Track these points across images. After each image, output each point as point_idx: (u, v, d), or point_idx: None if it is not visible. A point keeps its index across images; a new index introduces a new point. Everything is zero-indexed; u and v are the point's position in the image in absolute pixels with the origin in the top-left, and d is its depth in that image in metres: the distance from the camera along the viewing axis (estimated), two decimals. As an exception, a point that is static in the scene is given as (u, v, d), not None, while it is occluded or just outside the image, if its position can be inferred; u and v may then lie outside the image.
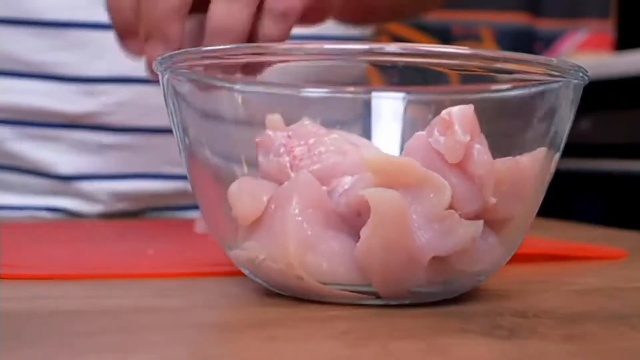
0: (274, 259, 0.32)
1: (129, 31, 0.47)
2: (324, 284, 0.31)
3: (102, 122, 0.69)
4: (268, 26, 0.45)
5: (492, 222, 0.32)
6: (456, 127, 0.30)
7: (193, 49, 0.33)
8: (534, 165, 0.33)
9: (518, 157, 0.32)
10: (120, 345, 0.26)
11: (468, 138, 0.30)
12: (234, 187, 0.33)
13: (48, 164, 0.70)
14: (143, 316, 0.30)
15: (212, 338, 0.27)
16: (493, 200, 0.31)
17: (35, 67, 0.68)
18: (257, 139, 0.34)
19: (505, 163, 0.32)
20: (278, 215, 0.31)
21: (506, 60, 0.32)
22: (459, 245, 0.31)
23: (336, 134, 0.34)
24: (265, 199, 0.32)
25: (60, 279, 0.37)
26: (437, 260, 0.31)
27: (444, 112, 0.31)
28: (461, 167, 0.30)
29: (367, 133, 0.40)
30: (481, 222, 0.31)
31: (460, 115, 0.30)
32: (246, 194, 0.33)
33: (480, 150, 0.31)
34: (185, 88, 0.35)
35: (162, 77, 0.35)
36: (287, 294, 0.33)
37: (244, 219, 0.32)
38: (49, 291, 0.34)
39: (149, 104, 0.68)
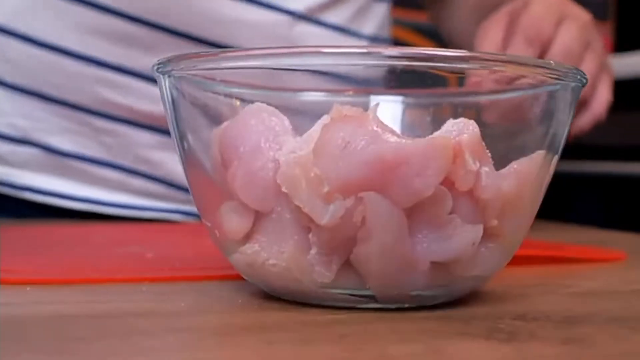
0: (272, 263, 0.32)
1: None
2: (323, 287, 0.31)
3: None
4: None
5: (491, 227, 0.32)
6: (467, 156, 0.30)
7: (191, 53, 0.33)
8: (533, 169, 0.33)
9: (518, 168, 0.32)
10: (118, 350, 0.26)
11: (478, 166, 0.31)
12: (224, 206, 0.33)
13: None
14: (142, 321, 0.30)
15: (211, 342, 0.27)
16: (495, 222, 0.31)
17: None
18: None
19: (509, 184, 0.32)
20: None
21: (504, 63, 0.32)
22: (458, 250, 0.31)
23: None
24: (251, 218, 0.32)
25: (59, 284, 0.37)
26: (436, 265, 0.31)
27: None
28: (468, 190, 0.31)
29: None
30: (480, 226, 0.31)
31: (469, 143, 0.30)
32: (234, 211, 0.33)
33: (488, 174, 0.31)
34: (185, 93, 0.35)
35: (161, 83, 0.35)
36: (286, 298, 0.33)
37: (233, 234, 0.33)
38: (48, 296, 0.34)
39: None
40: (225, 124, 0.34)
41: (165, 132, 0.69)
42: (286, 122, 0.33)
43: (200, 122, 0.35)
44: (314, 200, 0.30)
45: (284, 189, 0.31)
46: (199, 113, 0.36)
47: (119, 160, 0.71)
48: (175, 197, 0.72)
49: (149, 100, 0.69)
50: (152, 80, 0.67)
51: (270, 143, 0.32)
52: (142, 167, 0.71)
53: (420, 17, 1.73)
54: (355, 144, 0.29)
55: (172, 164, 0.71)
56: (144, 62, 0.67)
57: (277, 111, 0.33)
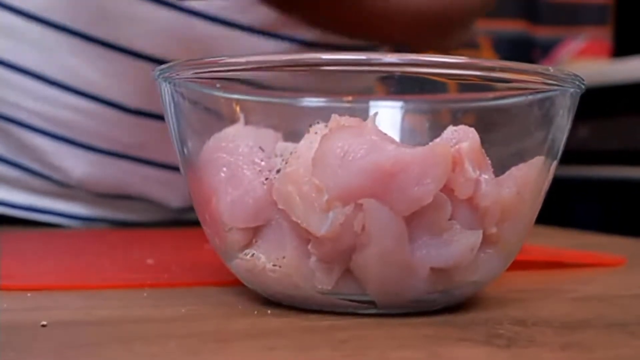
0: (272, 268, 0.32)
1: None
2: (323, 293, 0.31)
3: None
4: None
5: (490, 233, 0.32)
6: (466, 164, 0.30)
7: (193, 59, 0.34)
8: (532, 175, 0.33)
9: (517, 174, 0.32)
10: (119, 356, 0.26)
11: (478, 174, 0.31)
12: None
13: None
14: (142, 327, 0.30)
15: (211, 348, 0.27)
16: (494, 229, 0.31)
17: (89, 86, 0.67)
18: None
19: (509, 190, 0.32)
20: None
21: (503, 69, 0.32)
22: (458, 256, 0.31)
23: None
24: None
25: (60, 290, 0.37)
26: (435, 270, 0.31)
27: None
28: (468, 198, 0.31)
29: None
30: (480, 232, 0.31)
31: (469, 151, 0.31)
32: None
33: (488, 181, 0.31)
34: (185, 99, 0.35)
35: (162, 88, 0.35)
36: (286, 304, 0.33)
37: (233, 242, 0.33)
38: (48, 302, 0.34)
39: None
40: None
41: (65, 139, 0.68)
42: (250, 142, 0.33)
43: (200, 128, 0.35)
44: (310, 215, 0.30)
45: (280, 206, 0.31)
46: (200, 119, 0.36)
47: (18, 159, 0.69)
48: (75, 197, 0.71)
49: (43, 101, 0.67)
50: (39, 78, 0.66)
51: (243, 166, 0.32)
52: (40, 169, 0.69)
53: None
54: (354, 153, 0.30)
55: (73, 170, 0.69)
56: (31, 58, 0.66)
57: (229, 134, 0.34)
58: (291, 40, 0.69)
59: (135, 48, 0.65)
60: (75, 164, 0.69)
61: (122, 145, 0.68)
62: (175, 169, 0.68)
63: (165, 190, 0.71)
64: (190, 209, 0.70)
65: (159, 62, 0.65)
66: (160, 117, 0.66)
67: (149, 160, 0.69)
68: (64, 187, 0.70)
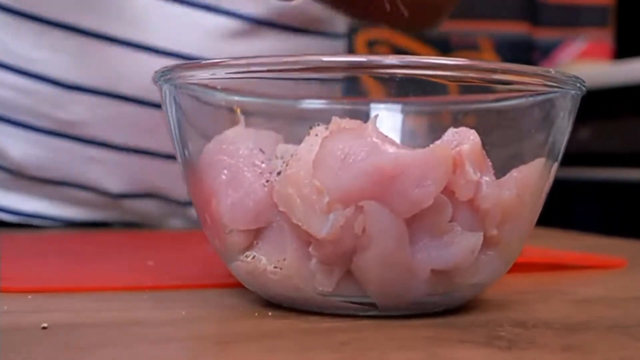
0: (273, 270, 0.32)
1: None
2: (323, 295, 0.31)
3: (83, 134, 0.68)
4: None
5: (491, 235, 0.32)
6: (467, 166, 0.30)
7: (193, 62, 0.34)
8: (533, 177, 0.33)
9: (518, 176, 0.32)
10: (118, 358, 0.26)
11: (478, 176, 0.31)
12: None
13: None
14: (143, 329, 0.30)
15: (211, 350, 0.27)
16: (495, 231, 0.31)
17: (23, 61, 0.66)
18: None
19: (509, 192, 0.32)
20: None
21: (504, 71, 0.32)
22: (459, 258, 0.31)
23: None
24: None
25: (61, 292, 0.37)
26: (436, 272, 0.31)
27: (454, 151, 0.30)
28: (468, 200, 0.31)
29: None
30: (480, 234, 0.31)
31: (470, 153, 0.31)
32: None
33: (488, 183, 0.31)
34: (185, 101, 0.35)
35: (162, 90, 0.35)
36: (286, 306, 0.33)
37: (234, 244, 0.33)
38: (49, 304, 0.34)
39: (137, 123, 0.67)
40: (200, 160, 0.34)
41: (2, 118, 0.67)
42: (250, 144, 0.33)
43: (201, 131, 0.35)
44: (310, 217, 0.30)
45: (281, 208, 0.31)
46: (200, 121, 0.36)
47: None
48: (15, 187, 0.69)
49: None
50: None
51: (244, 169, 0.32)
52: None
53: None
54: (354, 156, 0.30)
55: (11, 150, 0.68)
56: None
57: (229, 137, 0.34)
58: (238, 16, 0.68)
59: (67, 21, 0.64)
60: (13, 144, 0.67)
61: (60, 123, 0.67)
62: (115, 148, 0.67)
63: (105, 172, 0.69)
64: (132, 195, 0.70)
65: (93, 35, 0.65)
66: (98, 93, 0.66)
67: (88, 139, 0.68)
68: (4, 172, 0.69)
